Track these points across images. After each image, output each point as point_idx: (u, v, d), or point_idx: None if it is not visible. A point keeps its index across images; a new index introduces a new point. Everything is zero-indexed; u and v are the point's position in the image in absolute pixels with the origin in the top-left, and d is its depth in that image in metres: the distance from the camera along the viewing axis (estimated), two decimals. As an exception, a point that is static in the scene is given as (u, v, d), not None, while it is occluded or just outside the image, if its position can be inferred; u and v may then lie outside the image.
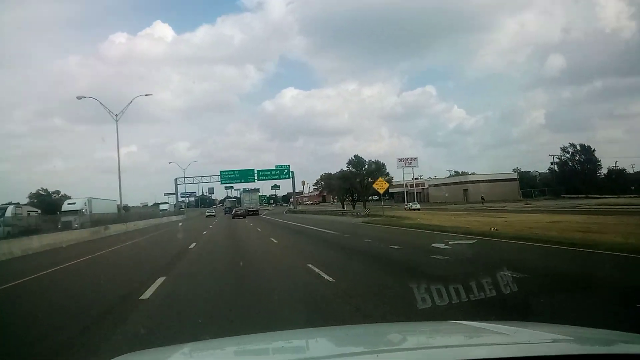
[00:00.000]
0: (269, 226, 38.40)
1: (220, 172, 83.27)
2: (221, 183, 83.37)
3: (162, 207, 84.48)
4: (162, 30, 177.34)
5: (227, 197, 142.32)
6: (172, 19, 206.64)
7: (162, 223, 58.33)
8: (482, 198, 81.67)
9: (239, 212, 65.91)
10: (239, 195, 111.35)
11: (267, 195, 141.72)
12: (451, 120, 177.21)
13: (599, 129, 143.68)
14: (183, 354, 2.56)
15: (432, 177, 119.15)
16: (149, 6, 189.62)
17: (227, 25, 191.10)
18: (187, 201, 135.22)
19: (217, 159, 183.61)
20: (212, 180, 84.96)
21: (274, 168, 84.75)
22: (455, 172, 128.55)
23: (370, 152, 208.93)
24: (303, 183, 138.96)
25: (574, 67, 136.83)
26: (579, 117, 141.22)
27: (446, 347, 2.37)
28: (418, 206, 65.91)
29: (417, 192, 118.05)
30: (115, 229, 35.84)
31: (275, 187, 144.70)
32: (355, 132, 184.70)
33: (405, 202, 77.67)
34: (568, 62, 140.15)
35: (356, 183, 74.82)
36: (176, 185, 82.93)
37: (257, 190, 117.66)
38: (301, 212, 75.42)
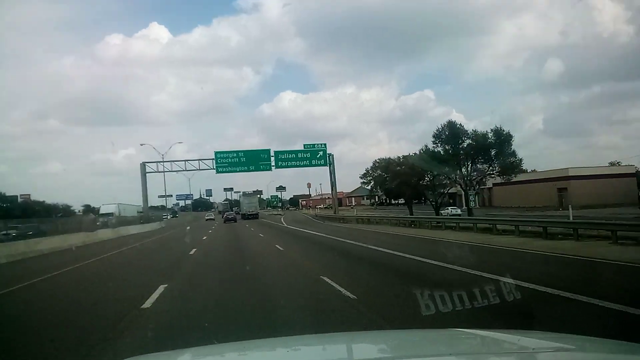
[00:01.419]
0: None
1: (215, 154, 51.81)
2: (217, 172, 51.85)
3: (104, 209, 52.01)
4: (158, 31, 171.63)
5: (226, 199, 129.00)
6: (168, 20, 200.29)
7: (73, 247, 26.80)
8: None
9: (230, 217, 62.48)
10: (238, 199, 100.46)
11: (278, 197, 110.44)
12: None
13: (597, 134, 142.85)
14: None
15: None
16: (145, 8, 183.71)
17: (223, 27, 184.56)
18: (184, 204, 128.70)
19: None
20: (202, 168, 53.40)
21: (302, 149, 53.31)
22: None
23: (368, 156, 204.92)
24: (309, 185, 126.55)
25: (572, 71, 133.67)
26: (577, 122, 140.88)
27: (449, 355, 2.35)
28: (459, 211, 48.37)
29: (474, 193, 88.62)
30: None
31: (281, 188, 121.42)
32: (353, 135, 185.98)
33: (460, 206, 50.45)
34: (566, 67, 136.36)
35: (446, 171, 43.39)
36: (144, 174, 51.24)
37: (260, 192, 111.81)
38: (361, 219, 43.64)
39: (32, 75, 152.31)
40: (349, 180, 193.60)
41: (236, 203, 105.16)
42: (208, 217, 75.91)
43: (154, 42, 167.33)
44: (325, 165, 53.92)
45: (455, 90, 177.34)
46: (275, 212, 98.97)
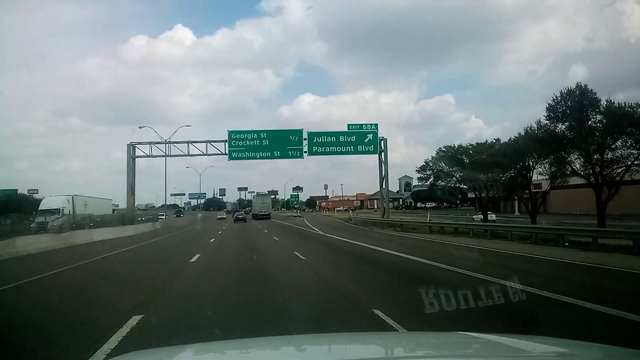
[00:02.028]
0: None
1: (229, 134, 38.31)
2: (230, 158, 38.34)
3: (47, 203, 36.54)
4: (183, 33, 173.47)
5: (240, 199, 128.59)
6: (193, 22, 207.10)
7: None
8: None
9: (239, 217, 62.56)
10: (252, 199, 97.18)
11: (297, 196, 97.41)
12: (468, 130, 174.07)
13: None
14: (185, 355, 2.51)
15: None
16: (171, 10, 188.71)
17: (246, 30, 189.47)
18: (197, 203, 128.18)
19: (232, 164, 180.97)
20: (211, 153, 39.83)
21: (346, 130, 39.42)
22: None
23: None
24: (325, 187, 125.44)
25: (597, 77, 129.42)
26: None
27: (451, 357, 2.35)
28: (494, 217, 40.66)
29: (520, 197, 74.49)
30: None
31: (297, 188, 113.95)
32: None
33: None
34: (590, 73, 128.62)
35: (565, 158, 29.37)
36: (131, 158, 37.67)
37: (275, 192, 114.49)
38: (439, 228, 29.49)
39: (57, 75, 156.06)
40: (364, 185, 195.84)
41: (249, 203, 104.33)
42: (220, 217, 77.45)
43: (178, 44, 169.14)
44: (374, 152, 39.95)
45: (477, 95, 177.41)
46: (294, 214, 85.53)
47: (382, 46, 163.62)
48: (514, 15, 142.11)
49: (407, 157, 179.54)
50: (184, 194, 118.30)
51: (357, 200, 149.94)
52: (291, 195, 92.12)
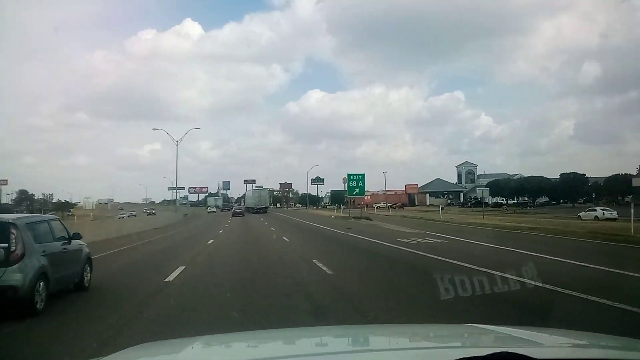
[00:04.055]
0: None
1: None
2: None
3: None
4: (191, 27, 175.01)
5: (245, 193, 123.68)
6: (201, 16, 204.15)
7: None
8: None
9: (238, 211, 64.67)
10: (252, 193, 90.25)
11: (362, 175, 58.33)
12: (478, 127, 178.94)
13: (630, 141, 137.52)
14: (192, 347, 2.49)
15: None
16: (181, 3, 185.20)
17: (255, 24, 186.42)
18: (198, 198, 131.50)
19: (239, 160, 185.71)
20: None
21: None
22: None
23: (392, 157, 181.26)
24: (344, 180, 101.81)
25: (610, 75, 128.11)
26: (610, 129, 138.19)
27: (458, 347, 2.34)
28: (615, 214, 35.06)
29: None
30: None
31: (318, 180, 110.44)
32: (379, 136, 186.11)
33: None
34: (604, 70, 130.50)
35: None
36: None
37: (289, 184, 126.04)
38: None
39: (63, 69, 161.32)
40: (377, 181, 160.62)
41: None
42: (210, 210, 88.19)
43: (185, 38, 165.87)
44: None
45: (487, 92, 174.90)
46: (343, 214, 47.97)
47: (393, 41, 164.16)
48: (527, 10, 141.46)
49: (415, 155, 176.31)
50: (182, 188, 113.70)
51: (404, 193, 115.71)
52: (349, 177, 52.21)
